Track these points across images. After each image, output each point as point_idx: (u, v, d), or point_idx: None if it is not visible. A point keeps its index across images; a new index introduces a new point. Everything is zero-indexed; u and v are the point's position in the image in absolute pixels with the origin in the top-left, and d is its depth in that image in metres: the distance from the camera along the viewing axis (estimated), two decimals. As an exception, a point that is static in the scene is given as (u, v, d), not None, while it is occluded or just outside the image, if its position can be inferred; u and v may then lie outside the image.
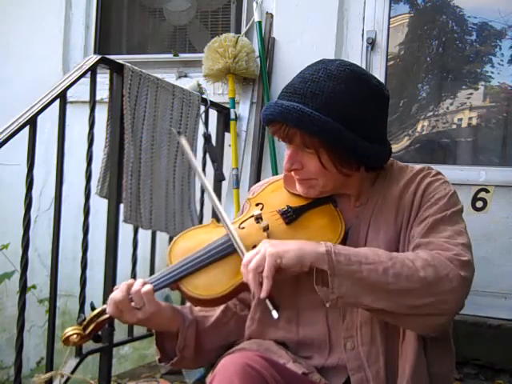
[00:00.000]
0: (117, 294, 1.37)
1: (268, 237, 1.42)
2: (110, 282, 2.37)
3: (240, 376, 1.25)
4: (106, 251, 2.40)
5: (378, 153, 1.41)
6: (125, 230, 2.55)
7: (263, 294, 1.25)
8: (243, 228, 1.45)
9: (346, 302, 1.28)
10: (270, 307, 1.26)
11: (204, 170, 3.02)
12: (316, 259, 1.26)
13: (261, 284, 1.25)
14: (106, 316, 1.40)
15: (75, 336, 1.37)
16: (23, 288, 2.14)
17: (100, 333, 1.43)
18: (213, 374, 1.31)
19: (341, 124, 1.34)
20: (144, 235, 2.78)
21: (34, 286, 3.16)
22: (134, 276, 2.65)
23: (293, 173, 1.45)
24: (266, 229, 1.42)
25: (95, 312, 1.41)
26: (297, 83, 1.39)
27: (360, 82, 1.39)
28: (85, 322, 1.40)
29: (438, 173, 1.48)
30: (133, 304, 1.37)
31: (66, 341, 1.38)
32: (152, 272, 2.86)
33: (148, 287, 1.36)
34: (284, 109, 1.35)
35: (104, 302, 2.32)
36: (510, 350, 2.50)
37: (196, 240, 1.46)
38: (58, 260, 2.27)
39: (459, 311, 1.32)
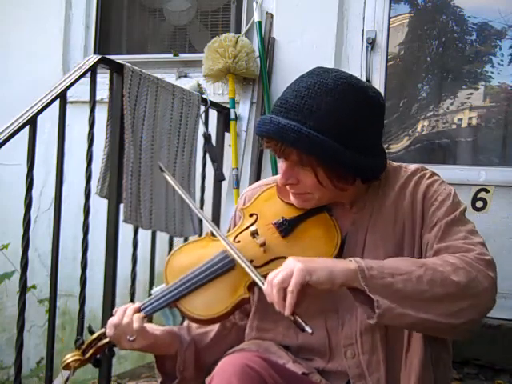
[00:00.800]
0: (113, 320, 1.37)
1: (264, 252, 1.40)
2: (109, 282, 2.37)
3: (239, 377, 1.25)
4: (106, 251, 2.40)
5: (374, 166, 1.40)
6: (125, 230, 2.54)
7: (287, 312, 1.20)
8: (239, 242, 1.43)
9: (391, 317, 1.22)
10: (302, 323, 1.21)
11: (204, 170, 3.03)
12: (348, 277, 1.22)
13: (284, 299, 1.21)
14: (106, 340, 1.39)
15: (74, 362, 1.38)
16: (23, 288, 2.14)
17: (99, 356, 1.43)
18: (212, 375, 1.31)
19: (338, 142, 1.32)
20: (144, 235, 2.78)
21: (34, 286, 3.16)
22: (133, 276, 2.66)
23: (287, 186, 1.43)
24: (262, 245, 1.41)
25: (94, 336, 1.40)
26: (292, 98, 1.35)
27: (357, 96, 1.36)
28: (84, 346, 1.40)
29: (433, 173, 1.46)
30: (127, 336, 1.37)
31: (66, 366, 1.38)
32: (152, 272, 2.87)
33: (137, 325, 1.35)
34: (281, 128, 1.32)
35: (104, 304, 2.35)
36: (510, 350, 2.50)
37: (192, 256, 1.44)
38: (58, 260, 2.27)
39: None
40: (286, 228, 1.44)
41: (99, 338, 1.40)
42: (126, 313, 1.37)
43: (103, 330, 1.40)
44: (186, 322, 1.55)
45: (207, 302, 1.36)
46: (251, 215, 1.50)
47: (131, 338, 1.36)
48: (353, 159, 1.34)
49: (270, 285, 1.24)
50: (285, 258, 1.36)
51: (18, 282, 2.15)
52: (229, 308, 1.35)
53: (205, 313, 1.35)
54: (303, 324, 1.21)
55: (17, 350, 2.13)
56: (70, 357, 1.39)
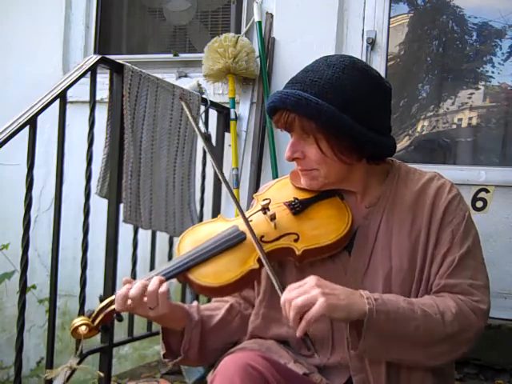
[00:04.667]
0: (133, 291, 1.35)
1: (275, 228, 1.43)
2: (109, 282, 2.37)
3: (241, 376, 1.25)
4: (106, 251, 2.40)
5: (377, 141, 1.40)
6: (125, 230, 2.55)
7: (298, 334, 1.23)
8: (251, 220, 1.46)
9: (371, 355, 1.33)
10: (311, 346, 1.27)
11: (204, 170, 3.03)
12: (360, 316, 1.26)
13: (300, 321, 1.23)
14: (114, 306, 1.39)
15: (84, 327, 1.36)
16: (23, 288, 2.14)
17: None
18: (214, 374, 1.31)
19: (338, 109, 1.35)
20: (144, 235, 2.78)
21: (33, 286, 3.16)
22: (134, 276, 2.65)
23: (295, 164, 1.46)
24: (272, 218, 1.44)
25: (104, 303, 1.40)
26: (299, 74, 1.43)
27: (359, 72, 1.40)
28: (93, 314, 1.40)
29: (452, 184, 1.47)
30: (145, 300, 1.35)
31: (75, 332, 1.37)
32: (152, 272, 2.86)
33: (164, 288, 1.35)
34: (283, 95, 1.38)
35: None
36: (510, 350, 2.50)
37: (204, 232, 1.48)
38: (58, 260, 2.27)
39: None
40: (298, 206, 1.47)
41: (108, 305, 1.40)
42: (147, 282, 1.36)
43: (113, 297, 1.40)
44: (195, 302, 1.56)
45: (217, 271, 1.38)
46: (264, 200, 1.52)
47: (152, 306, 1.36)
48: (352, 127, 1.36)
49: (288, 303, 1.24)
50: (295, 234, 1.41)
51: (18, 282, 2.15)
52: (238, 277, 1.36)
53: (214, 281, 1.37)
54: (312, 347, 1.28)
55: (17, 350, 2.13)
56: (80, 320, 1.38)
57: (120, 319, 1.44)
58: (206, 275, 1.37)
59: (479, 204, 2.86)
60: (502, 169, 2.92)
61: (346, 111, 1.35)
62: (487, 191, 2.86)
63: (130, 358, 3.37)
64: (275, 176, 3.03)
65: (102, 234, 2.44)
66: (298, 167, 1.47)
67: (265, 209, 1.46)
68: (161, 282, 1.36)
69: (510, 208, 2.84)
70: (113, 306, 1.39)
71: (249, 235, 1.41)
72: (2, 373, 3.52)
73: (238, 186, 3.07)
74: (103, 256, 2.41)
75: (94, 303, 2.39)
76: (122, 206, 2.43)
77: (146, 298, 1.35)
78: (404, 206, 1.43)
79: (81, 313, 2.34)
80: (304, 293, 1.24)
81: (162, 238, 2.84)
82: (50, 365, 2.22)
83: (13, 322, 2.30)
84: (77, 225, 2.46)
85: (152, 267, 2.86)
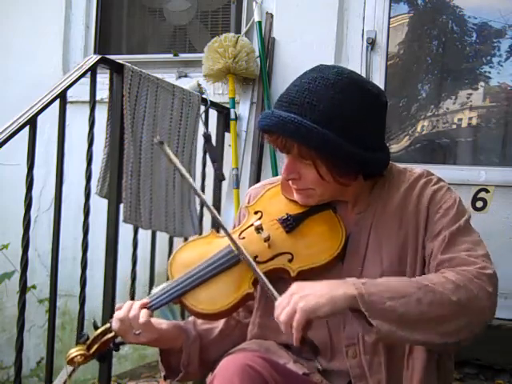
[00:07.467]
0: (119, 314, 1.38)
1: (269, 247, 1.40)
2: (109, 282, 2.38)
3: (240, 376, 1.25)
4: (106, 251, 2.40)
5: (376, 161, 1.39)
6: (125, 230, 2.55)
7: (295, 343, 1.23)
8: (243, 238, 1.43)
9: (389, 340, 1.27)
10: (308, 355, 1.25)
11: (204, 169, 3.03)
12: (350, 303, 1.22)
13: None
14: (111, 335, 1.39)
15: (79, 357, 1.37)
16: (23, 288, 2.14)
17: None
18: (213, 375, 1.31)
19: (338, 135, 1.32)
20: (144, 235, 2.78)
21: (33, 286, 3.16)
22: (133, 276, 2.66)
23: (290, 182, 1.43)
24: (267, 239, 1.41)
25: (99, 331, 1.40)
26: (293, 92, 1.36)
27: (358, 91, 1.36)
28: (88, 342, 1.39)
29: (440, 179, 1.45)
30: (133, 330, 1.37)
31: (71, 361, 1.37)
32: (152, 272, 2.87)
33: (143, 319, 1.36)
34: (281, 120, 1.32)
35: (104, 304, 2.35)
36: (510, 350, 2.50)
37: (197, 252, 1.45)
38: (58, 260, 2.27)
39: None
40: (291, 224, 1.44)
41: (104, 333, 1.39)
42: (132, 307, 1.38)
43: (108, 324, 1.39)
44: (191, 317, 1.55)
45: (212, 296, 1.37)
46: (256, 212, 1.49)
47: (137, 332, 1.37)
48: (353, 153, 1.33)
49: (278, 321, 1.24)
50: (289, 253, 1.38)
51: (18, 282, 2.15)
52: (233, 303, 1.35)
53: (209, 307, 1.35)
54: (310, 356, 1.25)
55: (17, 350, 2.13)
56: (75, 351, 1.38)
57: (117, 349, 1.45)
58: (200, 301, 1.36)
59: (479, 204, 2.86)
60: (501, 169, 2.92)
61: (346, 136, 1.32)
62: (487, 191, 2.86)
63: (130, 358, 3.37)
64: (275, 176, 3.03)
65: (102, 234, 2.44)
66: (293, 186, 1.43)
67: (258, 229, 1.42)
68: (142, 308, 1.37)
69: (510, 208, 2.84)
70: (109, 335, 1.39)
71: (246, 259, 1.38)
72: (1, 373, 3.52)
73: (237, 186, 3.07)
74: (103, 256, 2.41)
75: (94, 303, 2.42)
76: (122, 205, 2.43)
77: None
78: (392, 208, 1.42)
79: (81, 313, 2.34)
80: (285, 306, 1.23)
81: (162, 238, 2.84)
82: (50, 365, 2.22)
83: (13, 322, 2.30)
84: (77, 225, 2.46)
85: (152, 267, 2.87)
